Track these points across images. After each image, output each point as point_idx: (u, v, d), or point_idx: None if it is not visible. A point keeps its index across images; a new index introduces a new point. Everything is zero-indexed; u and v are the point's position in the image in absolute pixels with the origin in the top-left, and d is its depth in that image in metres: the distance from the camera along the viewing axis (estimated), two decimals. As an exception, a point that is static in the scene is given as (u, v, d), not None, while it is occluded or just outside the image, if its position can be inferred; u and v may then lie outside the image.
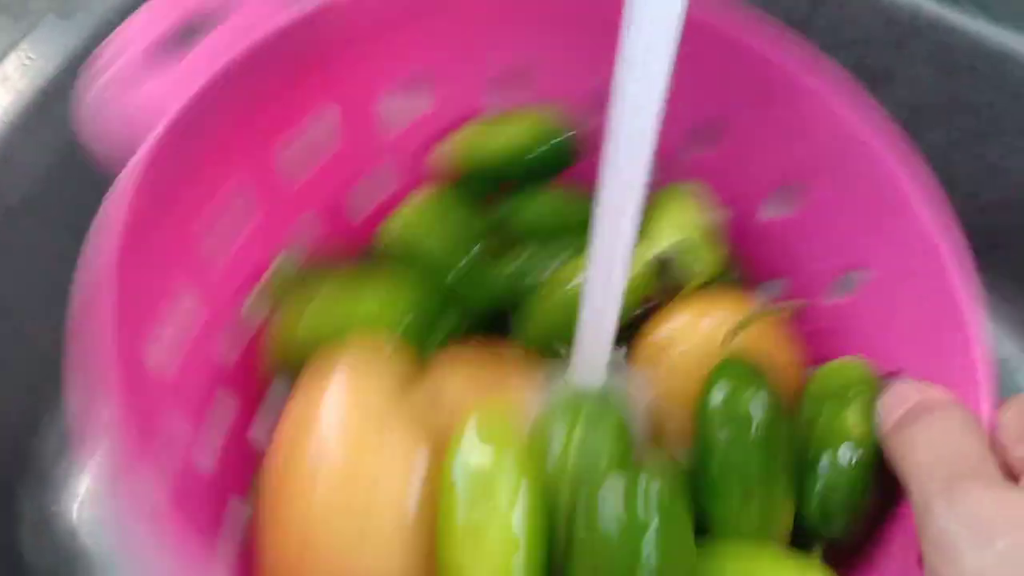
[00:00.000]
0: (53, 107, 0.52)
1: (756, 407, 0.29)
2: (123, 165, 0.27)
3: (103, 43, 0.30)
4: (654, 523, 0.24)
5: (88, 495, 0.52)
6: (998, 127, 0.46)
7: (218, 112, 0.29)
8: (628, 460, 0.28)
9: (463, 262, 0.34)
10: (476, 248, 0.35)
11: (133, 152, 0.27)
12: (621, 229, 0.25)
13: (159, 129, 0.26)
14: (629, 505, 0.24)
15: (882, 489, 0.29)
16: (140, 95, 0.28)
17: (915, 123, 0.52)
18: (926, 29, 0.45)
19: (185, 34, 0.30)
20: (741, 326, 0.32)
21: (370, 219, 0.38)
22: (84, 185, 0.55)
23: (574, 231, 0.33)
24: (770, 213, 0.38)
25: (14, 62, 0.51)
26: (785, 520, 0.30)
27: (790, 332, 0.36)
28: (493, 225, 0.38)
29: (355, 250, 0.39)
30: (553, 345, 0.34)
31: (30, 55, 0.51)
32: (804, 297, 0.37)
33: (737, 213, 0.39)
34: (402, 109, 0.36)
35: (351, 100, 0.34)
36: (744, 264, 0.39)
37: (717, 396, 0.30)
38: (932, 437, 0.24)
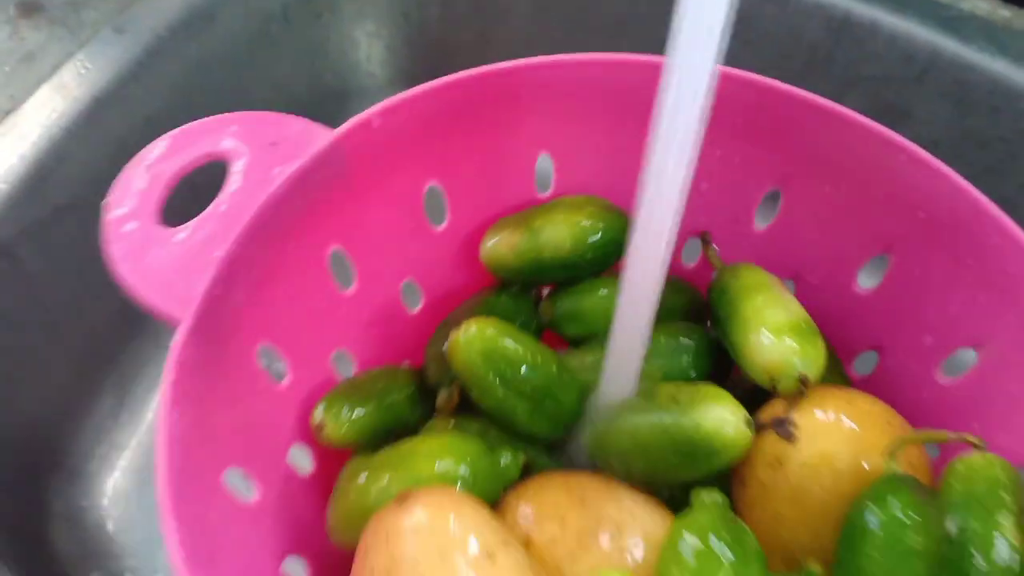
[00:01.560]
0: (106, 115, 0.55)
1: (920, 535, 0.26)
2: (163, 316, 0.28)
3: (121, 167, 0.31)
4: None
5: (117, 490, 0.56)
6: (1013, 162, 0.47)
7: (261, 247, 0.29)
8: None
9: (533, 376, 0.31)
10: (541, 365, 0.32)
11: (172, 306, 0.28)
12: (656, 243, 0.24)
13: (201, 293, 0.27)
14: None
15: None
16: (161, 259, 0.28)
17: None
18: (944, 67, 0.46)
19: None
20: (902, 444, 0.29)
21: (426, 312, 0.37)
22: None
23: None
24: (864, 284, 0.35)
25: (71, 71, 0.54)
26: None
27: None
28: (545, 326, 0.36)
29: (413, 352, 0.37)
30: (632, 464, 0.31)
31: (86, 65, 0.54)
32: (909, 371, 0.34)
33: (825, 286, 0.35)
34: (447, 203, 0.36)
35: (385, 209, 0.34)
36: (837, 340, 0.36)
37: (885, 507, 0.26)
38: None
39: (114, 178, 0.55)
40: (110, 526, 0.54)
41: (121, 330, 0.61)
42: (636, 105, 0.30)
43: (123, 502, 0.56)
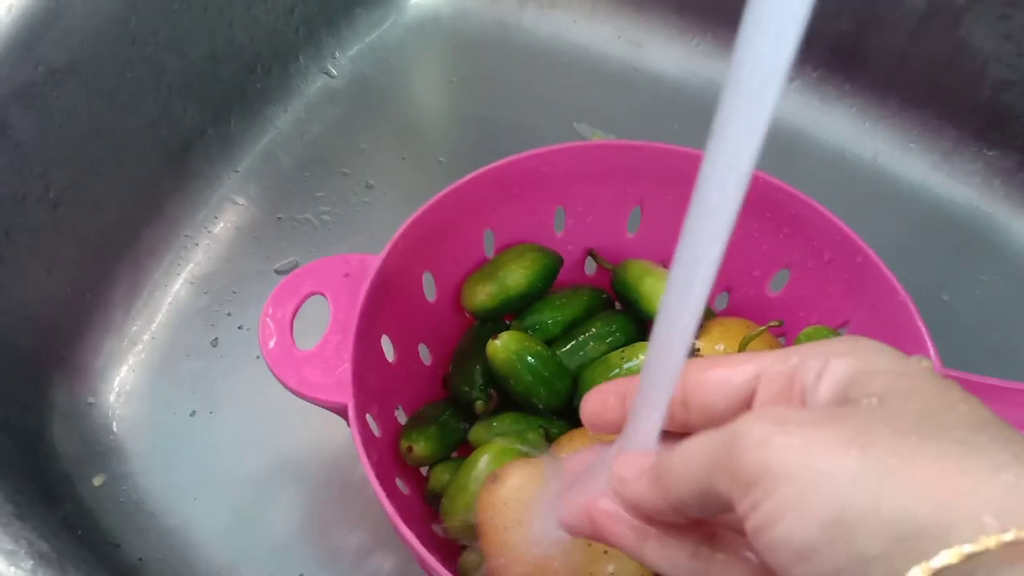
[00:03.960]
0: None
1: None
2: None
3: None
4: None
5: (126, 388, 0.53)
6: None
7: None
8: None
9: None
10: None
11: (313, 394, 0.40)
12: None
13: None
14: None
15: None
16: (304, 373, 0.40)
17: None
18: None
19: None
20: (747, 341, 0.43)
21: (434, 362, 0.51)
22: (131, 54, 0.52)
23: (580, 323, 0.49)
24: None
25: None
26: None
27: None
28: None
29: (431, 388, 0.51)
30: None
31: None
32: (751, 293, 0.50)
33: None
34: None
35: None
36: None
37: None
38: None
39: (115, 39, 0.49)
40: (116, 426, 0.52)
41: (134, 213, 0.57)
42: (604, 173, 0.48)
43: (133, 401, 0.53)
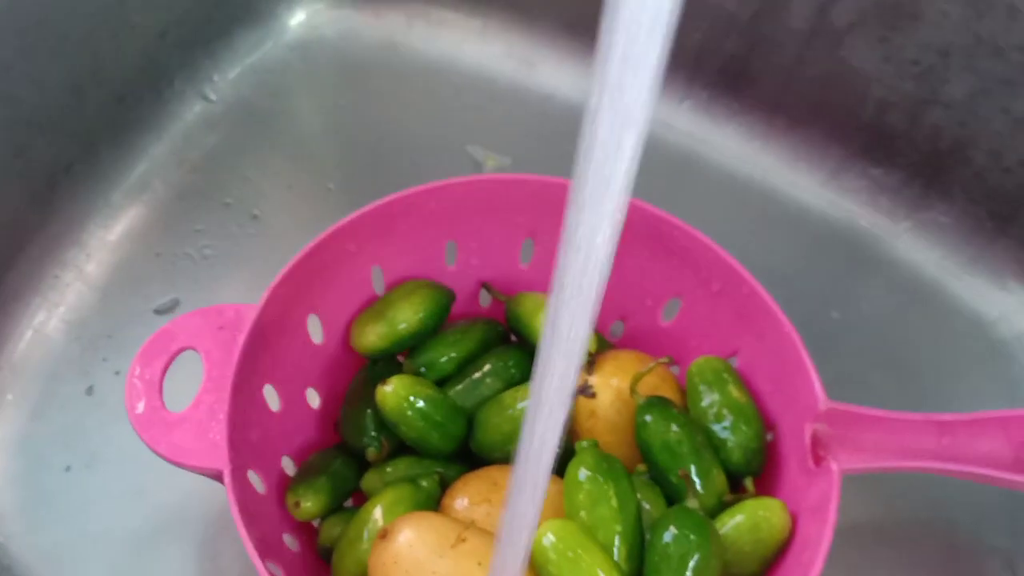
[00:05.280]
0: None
1: (675, 419, 0.42)
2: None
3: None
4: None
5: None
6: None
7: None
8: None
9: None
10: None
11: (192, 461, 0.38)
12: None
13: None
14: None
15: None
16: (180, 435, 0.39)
17: (940, 68, 0.52)
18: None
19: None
20: (639, 378, 0.44)
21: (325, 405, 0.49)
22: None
23: (474, 360, 0.48)
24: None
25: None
26: (721, 478, 0.43)
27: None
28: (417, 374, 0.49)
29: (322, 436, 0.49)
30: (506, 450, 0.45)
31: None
32: (645, 322, 0.50)
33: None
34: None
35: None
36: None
37: (649, 418, 0.43)
38: None
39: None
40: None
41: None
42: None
43: (0, 458, 0.50)
